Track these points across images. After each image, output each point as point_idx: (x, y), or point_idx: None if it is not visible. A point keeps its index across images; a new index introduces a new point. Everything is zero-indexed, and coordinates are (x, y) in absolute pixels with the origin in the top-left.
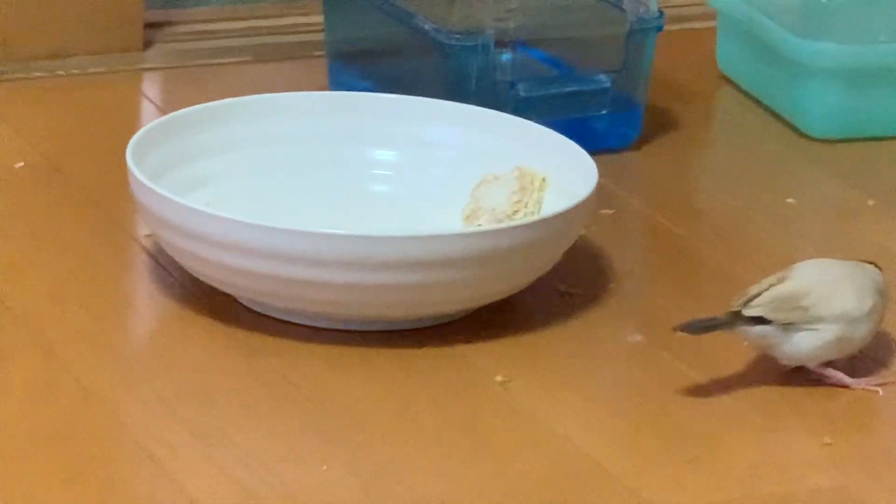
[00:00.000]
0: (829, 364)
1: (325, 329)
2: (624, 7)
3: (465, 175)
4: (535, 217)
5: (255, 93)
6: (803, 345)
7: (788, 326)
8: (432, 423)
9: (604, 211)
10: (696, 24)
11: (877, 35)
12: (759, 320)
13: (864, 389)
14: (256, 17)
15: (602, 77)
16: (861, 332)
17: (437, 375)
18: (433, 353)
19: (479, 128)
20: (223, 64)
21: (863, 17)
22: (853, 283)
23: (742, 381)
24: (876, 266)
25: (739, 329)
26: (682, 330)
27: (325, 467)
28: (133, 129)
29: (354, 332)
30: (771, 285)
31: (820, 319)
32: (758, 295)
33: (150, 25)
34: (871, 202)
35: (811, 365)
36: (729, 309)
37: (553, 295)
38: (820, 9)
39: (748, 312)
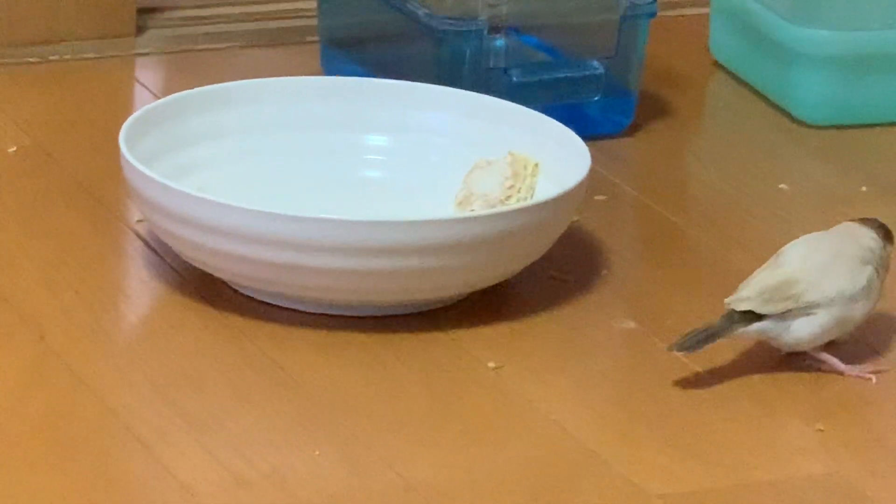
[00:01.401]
0: (831, 344)
1: (317, 314)
2: None
3: (457, 161)
4: (528, 203)
5: (249, 78)
6: (803, 331)
7: (785, 315)
8: (424, 408)
9: (596, 197)
10: (690, 11)
11: (870, 22)
12: (753, 316)
13: (857, 377)
14: (249, 3)
15: (595, 63)
16: (861, 309)
17: (430, 361)
18: (426, 339)
19: (471, 113)
20: (216, 49)
21: (855, 4)
22: (845, 260)
23: (734, 367)
24: (877, 224)
25: (737, 333)
26: (677, 350)
27: (316, 453)
28: (126, 114)
29: (347, 317)
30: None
31: (815, 304)
32: None
33: (142, 10)
34: (864, 188)
35: (811, 348)
36: (723, 312)
37: (545, 281)
38: None
39: (739, 307)
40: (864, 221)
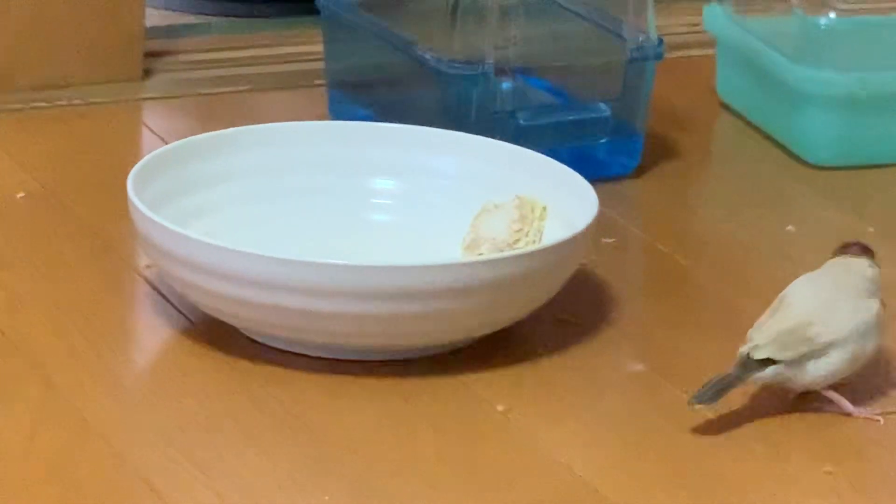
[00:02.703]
0: (839, 385)
1: (326, 359)
2: (623, 35)
3: (465, 204)
4: (536, 246)
5: (256, 122)
6: (819, 371)
7: (800, 357)
8: (434, 452)
9: (604, 240)
10: (696, 52)
11: (876, 62)
12: (768, 360)
13: (865, 418)
14: (256, 47)
15: (602, 105)
16: (873, 342)
17: (439, 405)
18: (434, 383)
19: (479, 157)
20: (223, 93)
21: (862, 45)
22: (850, 295)
23: (743, 409)
24: (863, 250)
25: (753, 379)
26: (697, 402)
27: (326, 498)
28: (134, 158)
29: (355, 361)
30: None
31: (830, 344)
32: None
33: (149, 55)
34: (870, 230)
35: (823, 388)
36: (736, 359)
37: (554, 324)
38: (819, 36)
39: (757, 355)
40: (850, 252)
